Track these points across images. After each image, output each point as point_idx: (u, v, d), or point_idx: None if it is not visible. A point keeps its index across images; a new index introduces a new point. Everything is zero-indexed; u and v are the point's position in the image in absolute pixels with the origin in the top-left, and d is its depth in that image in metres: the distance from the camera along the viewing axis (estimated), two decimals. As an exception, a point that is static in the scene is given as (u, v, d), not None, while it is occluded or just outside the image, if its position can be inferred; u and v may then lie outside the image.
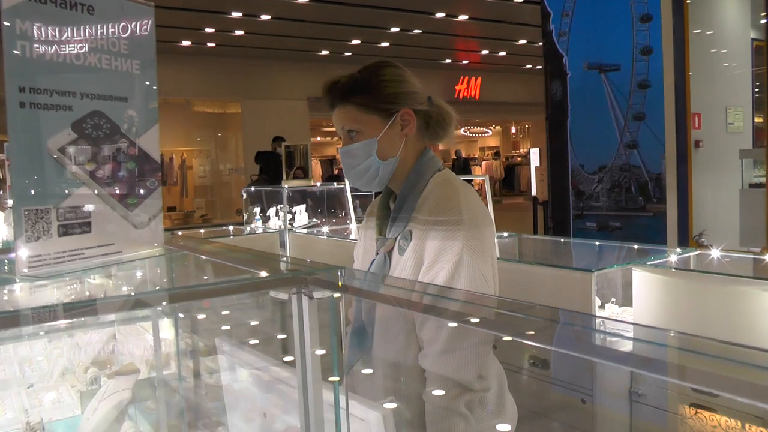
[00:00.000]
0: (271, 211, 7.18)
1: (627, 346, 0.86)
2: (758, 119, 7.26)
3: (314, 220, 7.24)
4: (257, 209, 7.34)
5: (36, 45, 1.28)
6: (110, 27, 1.41)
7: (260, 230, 6.94)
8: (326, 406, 1.18)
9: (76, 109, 1.36)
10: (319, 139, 25.84)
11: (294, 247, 6.24)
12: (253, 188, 7.43)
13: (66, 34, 1.33)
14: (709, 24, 7.03)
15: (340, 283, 1.09)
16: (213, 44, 16.15)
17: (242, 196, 7.55)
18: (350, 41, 16.56)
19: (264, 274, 1.21)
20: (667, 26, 6.64)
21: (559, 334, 1.03)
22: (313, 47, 17.14)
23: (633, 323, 3.02)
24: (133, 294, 1.60)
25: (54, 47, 1.31)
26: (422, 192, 1.86)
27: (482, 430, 1.76)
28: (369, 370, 1.84)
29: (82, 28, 1.35)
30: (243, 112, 18.74)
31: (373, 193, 6.50)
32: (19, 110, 1.25)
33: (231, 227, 7.34)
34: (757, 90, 7.32)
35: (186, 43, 15.40)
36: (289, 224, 6.65)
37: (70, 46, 1.34)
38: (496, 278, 1.83)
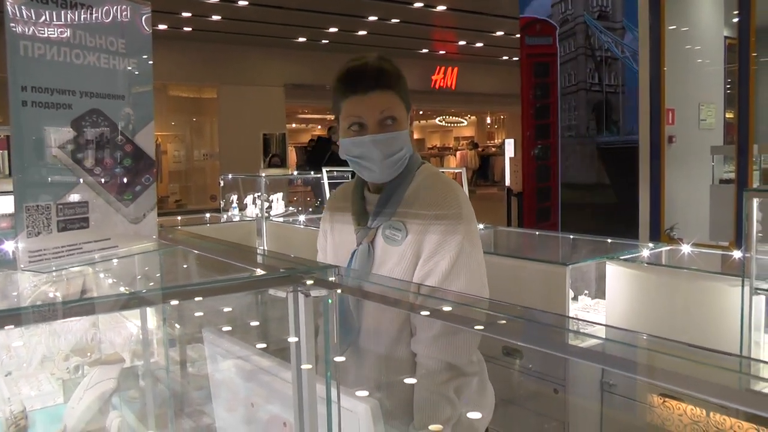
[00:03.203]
0: (248, 199, 7.18)
1: (598, 347, 0.93)
2: (729, 116, 7.37)
3: (291, 208, 7.26)
4: (234, 197, 7.34)
5: (38, 45, 1.31)
6: (109, 27, 1.44)
7: (237, 218, 6.94)
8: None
9: (76, 107, 1.39)
10: (294, 125, 25.75)
11: (271, 236, 6.26)
12: (230, 175, 7.41)
13: (66, 34, 1.36)
14: (684, 20, 7.12)
15: (334, 281, 1.14)
16: (189, 29, 16.01)
17: (219, 183, 7.53)
18: (327, 29, 16.50)
19: (261, 272, 1.25)
20: (644, 21, 6.72)
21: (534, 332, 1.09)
22: (290, 34, 17.06)
23: (605, 324, 3.11)
24: (129, 291, 1.64)
25: (55, 47, 1.34)
26: (409, 185, 1.90)
27: (464, 414, 1.81)
28: (358, 359, 1.88)
29: (82, 27, 1.38)
30: (219, 97, 18.62)
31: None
32: (21, 109, 1.28)
33: (208, 215, 7.32)
34: (728, 87, 7.43)
35: (162, 26, 15.26)
36: (266, 212, 6.67)
37: (71, 45, 1.37)
38: None
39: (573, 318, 2.69)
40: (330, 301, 1.13)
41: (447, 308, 1.12)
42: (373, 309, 1.83)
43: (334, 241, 2.07)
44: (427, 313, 1.09)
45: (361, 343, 1.86)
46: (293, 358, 1.12)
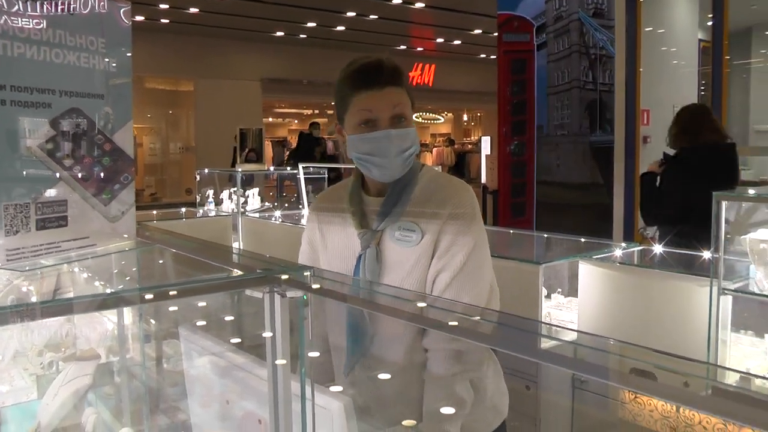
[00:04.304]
0: (224, 194, 7.17)
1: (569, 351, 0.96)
2: (703, 117, 7.44)
3: (267, 204, 7.25)
4: (210, 191, 7.32)
5: (17, 44, 1.32)
6: (89, 26, 1.44)
7: (213, 213, 6.93)
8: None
9: (55, 106, 1.39)
10: (271, 119, 25.67)
11: (246, 231, 6.26)
12: (206, 170, 7.40)
13: (47, 34, 1.36)
14: (660, 23, 7.20)
15: (308, 282, 1.16)
16: (167, 21, 15.91)
17: (195, 177, 7.51)
18: (305, 24, 16.47)
19: (238, 272, 1.27)
20: (620, 22, 6.78)
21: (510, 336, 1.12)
22: (268, 28, 17.01)
23: (577, 330, 3.15)
24: (107, 290, 1.64)
25: (35, 46, 1.34)
26: (415, 186, 1.89)
27: (484, 402, 1.86)
28: (370, 369, 1.89)
29: (62, 27, 1.39)
30: (196, 90, 18.53)
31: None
32: (0, 107, 1.29)
33: (183, 209, 7.30)
34: (702, 89, 7.53)
35: (139, 18, 15.14)
36: (242, 208, 6.66)
37: (50, 44, 1.37)
38: None
39: (547, 324, 2.71)
40: (305, 298, 1.15)
41: (438, 314, 1.15)
42: (383, 317, 1.82)
43: (325, 244, 2.02)
44: (422, 321, 1.12)
45: (371, 352, 1.87)
46: (269, 357, 1.14)
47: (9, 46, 1.30)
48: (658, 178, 4.53)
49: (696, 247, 3.61)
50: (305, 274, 1.18)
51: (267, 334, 1.11)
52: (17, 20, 1.32)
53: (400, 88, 1.83)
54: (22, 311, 0.99)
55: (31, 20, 1.34)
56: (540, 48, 8.92)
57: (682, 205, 4.27)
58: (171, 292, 1.12)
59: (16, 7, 1.32)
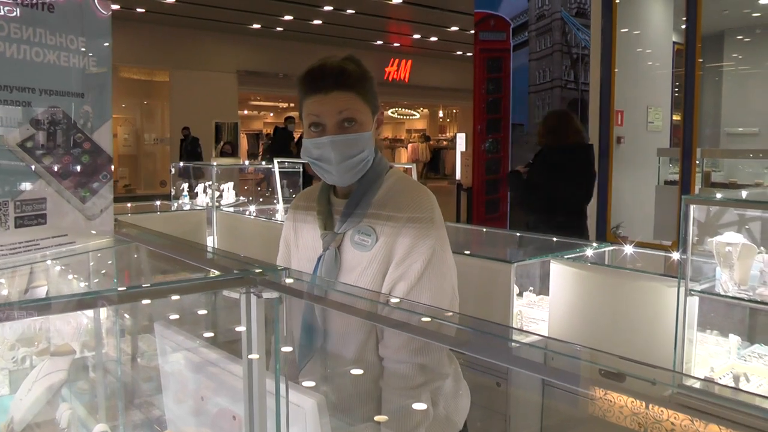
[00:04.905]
0: (199, 188, 7.14)
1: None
2: (676, 118, 7.54)
3: (241, 198, 7.23)
4: (185, 185, 7.29)
5: (-2, 42, 1.33)
6: (69, 25, 1.45)
7: (188, 206, 6.90)
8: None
9: (35, 104, 1.40)
10: (246, 112, 25.58)
11: (221, 226, 6.25)
12: (182, 163, 7.36)
13: (27, 32, 1.37)
14: (635, 24, 7.26)
15: (285, 283, 1.18)
16: (142, 10, 15.78)
17: (170, 170, 7.47)
18: (282, 17, 16.43)
19: (215, 272, 1.29)
20: (596, 23, 6.84)
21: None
22: (245, 20, 16.94)
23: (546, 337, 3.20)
24: (87, 288, 1.65)
25: (14, 44, 1.35)
26: (378, 189, 1.87)
27: (439, 416, 1.83)
28: (324, 365, 1.88)
29: (42, 26, 1.40)
30: (171, 81, 18.41)
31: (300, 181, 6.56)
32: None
33: (158, 202, 7.26)
34: (676, 90, 7.60)
35: (114, 6, 14.93)
36: (217, 202, 6.65)
37: (30, 43, 1.38)
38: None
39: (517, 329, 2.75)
40: (280, 303, 1.18)
41: (406, 317, 1.17)
42: (337, 314, 1.80)
43: (297, 243, 2.03)
44: (391, 322, 1.14)
45: (326, 350, 1.85)
46: (244, 355, 1.16)
47: (-10, 44, 1.31)
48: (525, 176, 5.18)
49: (566, 234, 4.23)
50: (280, 274, 1.20)
51: (243, 334, 1.13)
52: (-2, 19, 1.32)
53: (348, 92, 1.79)
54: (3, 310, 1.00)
55: (10, 19, 1.35)
56: (521, 46, 8.93)
57: (548, 196, 4.90)
58: (148, 293, 1.14)
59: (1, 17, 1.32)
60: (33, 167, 1.42)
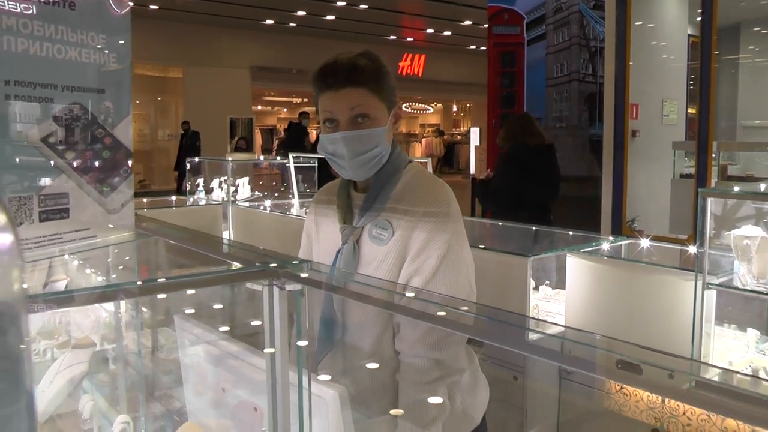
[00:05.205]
0: (215, 183, 7.17)
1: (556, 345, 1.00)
2: (692, 111, 7.50)
3: (257, 193, 7.26)
4: (200, 180, 7.32)
5: (21, 40, 1.34)
6: (89, 22, 1.47)
7: (203, 201, 6.93)
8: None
9: (57, 100, 1.42)
10: (260, 107, 25.65)
11: (237, 221, 6.27)
12: (197, 158, 7.39)
13: (49, 30, 1.39)
14: (650, 17, 7.22)
15: (307, 276, 1.19)
16: (156, 7, 15.84)
17: (186, 165, 7.51)
18: (295, 12, 16.45)
19: (237, 264, 1.30)
20: (611, 16, 6.80)
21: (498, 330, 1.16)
22: (258, 16, 16.98)
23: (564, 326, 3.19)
24: (109, 283, 1.67)
25: (38, 42, 1.37)
26: (397, 183, 1.88)
27: (456, 411, 1.83)
28: (341, 358, 1.88)
29: (63, 23, 1.41)
30: (185, 77, 18.48)
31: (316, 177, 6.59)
32: (4, 102, 1.32)
33: (173, 198, 7.30)
34: (691, 83, 7.56)
35: (128, 4, 15.04)
36: (232, 197, 6.67)
37: (53, 40, 1.40)
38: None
39: (533, 318, 2.75)
40: (303, 294, 1.19)
41: (423, 307, 1.18)
42: (354, 307, 1.81)
43: (318, 236, 2.05)
44: (408, 312, 1.15)
45: (343, 341, 1.86)
46: (267, 347, 1.17)
47: (13, 42, 1.33)
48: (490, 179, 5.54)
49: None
50: (302, 267, 1.21)
51: (265, 326, 1.14)
52: (20, 17, 1.34)
53: (360, 88, 1.80)
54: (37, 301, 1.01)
55: (33, 17, 1.36)
56: (538, 40, 8.85)
57: (514, 195, 5.18)
58: (171, 286, 1.15)
59: (18, 4, 1.34)
60: (55, 162, 1.44)
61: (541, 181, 5.21)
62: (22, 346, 0.38)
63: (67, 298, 1.13)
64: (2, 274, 0.36)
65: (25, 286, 0.39)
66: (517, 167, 5.18)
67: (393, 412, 1.76)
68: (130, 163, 1.59)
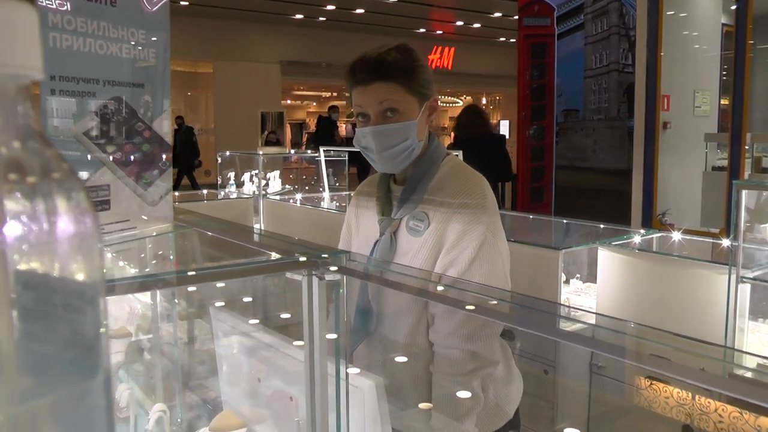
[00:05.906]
0: (246, 176, 7.23)
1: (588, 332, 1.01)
2: (724, 103, 7.39)
3: (287, 186, 7.31)
4: (231, 174, 7.39)
5: (65, 36, 1.38)
6: (129, 18, 1.50)
7: (234, 195, 7.00)
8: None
9: (99, 95, 1.46)
10: (289, 102, 25.75)
11: (268, 214, 6.32)
12: (228, 152, 7.46)
13: (92, 26, 1.42)
14: (683, 6, 7.12)
15: (347, 266, 1.21)
16: (186, 3, 15.97)
17: (217, 159, 7.57)
18: (325, 6, 16.47)
19: (276, 255, 1.32)
20: (642, 6, 6.72)
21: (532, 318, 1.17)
22: (288, 11, 17.03)
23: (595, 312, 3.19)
24: (153, 274, 1.70)
25: (81, 38, 1.40)
26: (434, 176, 1.90)
27: (489, 404, 1.83)
28: (375, 348, 1.90)
29: (105, 20, 1.45)
30: (215, 72, 18.60)
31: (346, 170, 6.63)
32: (50, 97, 1.36)
33: (205, 191, 7.38)
34: (724, 74, 7.44)
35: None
36: (263, 190, 6.72)
37: (95, 36, 1.43)
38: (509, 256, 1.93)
39: (565, 305, 2.75)
40: (342, 285, 1.21)
41: (457, 296, 1.19)
42: (389, 297, 1.84)
43: (358, 228, 2.09)
44: (442, 301, 1.16)
45: (378, 331, 1.88)
46: (306, 337, 1.19)
47: (58, 38, 1.36)
48: None
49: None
50: (342, 258, 1.23)
51: (304, 315, 1.16)
52: (65, 14, 1.37)
53: (389, 82, 1.82)
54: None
55: (76, 13, 1.40)
56: (576, 30, 8.68)
57: None
58: (214, 275, 1.18)
59: (68, 8, 1.37)
60: (97, 155, 1.47)
61: (485, 166, 5.21)
62: (101, 325, 0.40)
63: (114, 287, 1.15)
64: (86, 255, 0.38)
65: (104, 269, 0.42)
66: (465, 156, 5.52)
67: (423, 406, 1.76)
68: (169, 156, 1.63)
